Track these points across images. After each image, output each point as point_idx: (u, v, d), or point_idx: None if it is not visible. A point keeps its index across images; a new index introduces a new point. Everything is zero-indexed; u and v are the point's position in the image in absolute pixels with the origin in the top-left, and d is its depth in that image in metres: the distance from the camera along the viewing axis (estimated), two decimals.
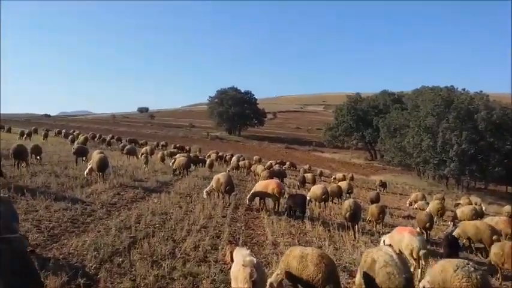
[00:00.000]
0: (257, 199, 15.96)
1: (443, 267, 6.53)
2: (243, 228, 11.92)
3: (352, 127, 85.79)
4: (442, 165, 55.52)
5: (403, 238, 9.50)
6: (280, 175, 27.44)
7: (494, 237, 12.14)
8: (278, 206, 15.52)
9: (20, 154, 17.46)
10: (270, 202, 15.72)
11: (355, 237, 12.64)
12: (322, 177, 40.86)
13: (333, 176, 39.37)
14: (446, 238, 12.44)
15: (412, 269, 8.54)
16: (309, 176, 29.29)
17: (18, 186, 12.63)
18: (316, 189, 18.76)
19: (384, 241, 10.41)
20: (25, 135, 39.43)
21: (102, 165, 16.99)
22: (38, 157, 20.39)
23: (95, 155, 18.01)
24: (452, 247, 11.57)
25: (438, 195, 32.64)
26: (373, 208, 15.93)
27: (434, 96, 58.96)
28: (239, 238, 10.49)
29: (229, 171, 28.46)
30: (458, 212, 20.26)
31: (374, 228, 15.38)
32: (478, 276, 6.10)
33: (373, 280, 6.29)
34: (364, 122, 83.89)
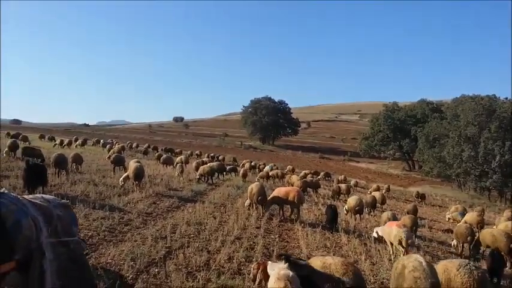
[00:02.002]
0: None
1: (446, 267, 7.14)
2: (277, 240, 11.80)
3: (388, 137, 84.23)
4: (483, 176, 53.51)
5: (392, 230, 11.55)
6: (314, 186, 27.15)
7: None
8: (298, 214, 15.42)
9: (60, 163, 18.11)
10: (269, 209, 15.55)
11: (392, 251, 12.31)
12: (357, 188, 40.14)
13: (369, 188, 38.56)
14: (491, 254, 11.96)
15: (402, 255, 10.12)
16: (343, 186, 28.84)
17: (59, 194, 13.01)
18: (350, 200, 18.50)
19: (376, 232, 12.76)
20: (64, 144, 40.96)
21: (138, 174, 17.42)
22: (79, 166, 21.09)
23: (132, 164, 18.42)
24: (496, 262, 11.16)
25: (478, 208, 31.41)
26: (405, 219, 15.49)
27: (475, 105, 57.00)
28: (273, 250, 10.38)
29: (258, 179, 28.43)
30: (502, 226, 19.37)
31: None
32: (480, 274, 6.96)
33: (401, 284, 6.53)
34: (402, 132, 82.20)
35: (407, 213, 22.07)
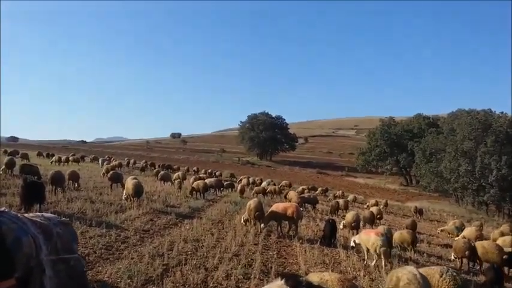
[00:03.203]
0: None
1: (427, 274, 7.35)
2: (275, 256, 11.73)
3: (385, 151, 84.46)
4: (481, 191, 53.62)
5: (369, 238, 11.98)
6: (312, 201, 27.11)
7: (505, 256, 13.09)
8: (296, 230, 15.39)
9: (57, 180, 18.07)
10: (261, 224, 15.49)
11: (391, 267, 12.28)
12: (355, 203, 40.10)
13: (367, 203, 38.52)
14: (491, 267, 12.02)
15: (378, 263, 11.56)
16: (341, 202, 28.83)
17: (56, 211, 12.93)
18: (348, 216, 18.59)
19: (354, 241, 13.07)
20: (62, 162, 40.95)
21: (138, 191, 17.52)
22: (76, 183, 21.02)
23: (129, 181, 18.43)
24: (498, 275, 11.29)
25: (476, 223, 31.50)
26: (404, 234, 15.48)
27: (471, 119, 57.39)
28: (271, 267, 10.31)
29: (253, 195, 28.39)
30: (500, 241, 19.34)
31: (407, 254, 14.99)
32: (461, 280, 7.51)
33: None
34: (398, 147, 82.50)
35: (406, 228, 22.06)
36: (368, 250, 12.30)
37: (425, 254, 16.55)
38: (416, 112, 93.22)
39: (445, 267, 7.97)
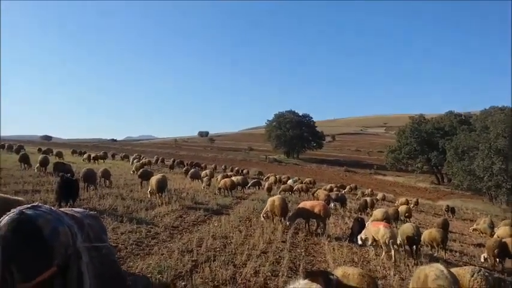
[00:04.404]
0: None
1: (458, 274, 7.13)
2: (303, 254, 11.66)
3: (416, 149, 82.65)
4: None
5: (378, 230, 12.41)
6: (341, 200, 26.80)
7: None
8: (324, 228, 15.31)
9: (89, 177, 18.58)
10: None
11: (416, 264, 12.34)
12: (385, 202, 39.47)
13: (397, 202, 37.84)
14: None
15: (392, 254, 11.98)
16: (368, 199, 28.44)
17: (88, 208, 13.26)
18: (377, 213, 18.33)
19: (360, 238, 13.29)
20: (91, 159, 42.08)
21: (160, 186, 17.92)
22: (108, 180, 21.56)
23: (153, 177, 19.08)
24: None
25: (506, 221, 30.45)
26: (434, 233, 15.12)
27: (505, 116, 55.51)
28: (299, 265, 10.26)
29: (280, 193, 28.37)
30: None
31: (437, 254, 14.65)
32: (494, 280, 7.21)
33: None
34: (429, 145, 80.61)
35: (437, 226, 21.58)
36: (375, 242, 12.75)
37: (457, 254, 16.18)
38: (447, 110, 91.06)
39: (477, 267, 7.73)
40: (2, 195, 8.63)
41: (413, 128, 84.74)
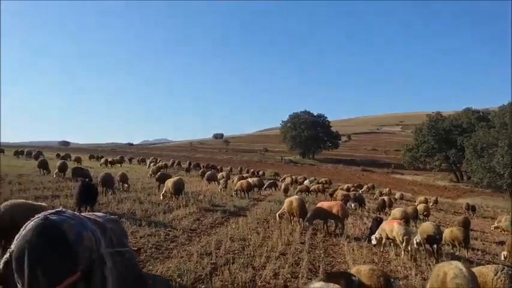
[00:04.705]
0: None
1: (481, 272, 7.04)
2: (322, 255, 11.54)
3: (434, 147, 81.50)
4: None
5: (392, 228, 12.51)
6: (359, 199, 26.52)
7: None
8: (343, 228, 15.17)
9: (107, 182, 18.78)
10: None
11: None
12: (403, 201, 39.01)
13: (415, 201, 37.35)
14: None
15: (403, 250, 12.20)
16: (386, 199, 28.12)
17: (107, 212, 13.34)
18: (395, 212, 18.15)
19: (375, 237, 13.17)
20: (108, 163, 42.61)
21: (177, 188, 18.22)
22: (126, 184, 21.75)
23: (169, 180, 19.35)
24: None
25: None
26: (455, 231, 14.84)
27: None
28: (319, 266, 10.16)
29: (296, 194, 28.26)
30: None
31: (459, 253, 14.39)
32: None
33: None
34: (447, 142, 79.40)
35: (458, 225, 21.22)
36: (390, 240, 12.88)
37: (479, 252, 15.87)
38: (465, 106, 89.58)
39: (500, 265, 7.54)
40: (26, 201, 8.76)
41: (431, 126, 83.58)
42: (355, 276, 6.52)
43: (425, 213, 25.01)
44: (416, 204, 32.99)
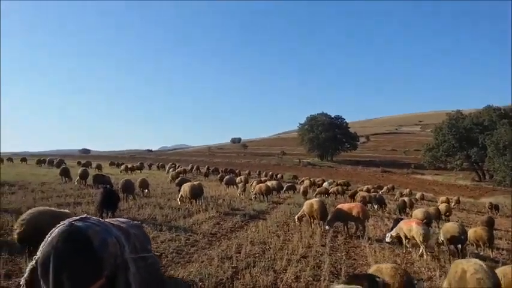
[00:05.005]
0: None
1: (505, 272, 7.02)
2: (344, 258, 11.42)
3: (454, 146, 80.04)
4: None
5: (411, 227, 12.41)
6: (379, 201, 26.20)
7: None
8: (364, 230, 15.01)
9: (127, 188, 19.01)
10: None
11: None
12: (424, 201, 38.42)
13: (437, 201, 36.73)
14: None
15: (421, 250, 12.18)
16: (406, 200, 27.71)
17: (128, 218, 13.50)
18: (417, 213, 17.91)
19: (390, 235, 13.42)
20: (129, 170, 43.15)
21: (195, 192, 18.52)
22: (146, 190, 22.00)
23: (186, 184, 19.58)
24: None
25: None
26: (479, 231, 14.52)
27: None
28: (341, 269, 10.04)
29: (315, 196, 28.08)
30: None
31: (483, 252, 14.09)
32: None
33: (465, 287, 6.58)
34: (468, 141, 77.85)
35: (482, 225, 20.77)
36: (408, 240, 12.80)
37: (504, 252, 15.50)
38: (486, 104, 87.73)
39: None
40: (50, 208, 8.93)
41: (451, 125, 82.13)
42: (379, 277, 6.42)
43: (447, 213, 24.61)
44: (438, 204, 32.48)
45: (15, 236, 8.07)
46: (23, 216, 8.15)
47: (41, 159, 50.42)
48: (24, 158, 56.40)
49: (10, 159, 52.23)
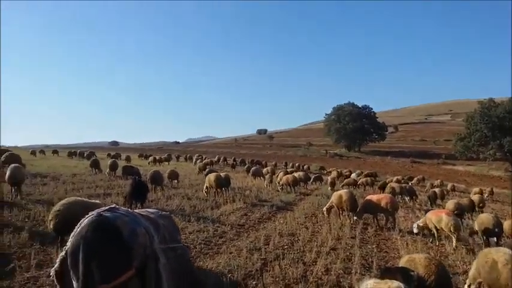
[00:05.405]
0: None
1: None
2: (375, 250, 11.16)
3: (487, 136, 77.43)
4: None
5: (441, 218, 12.14)
6: (410, 192, 25.58)
7: None
8: (394, 222, 14.69)
9: (156, 179, 19.20)
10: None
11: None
12: (455, 192, 37.41)
13: (470, 192, 35.67)
14: None
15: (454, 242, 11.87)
16: (437, 191, 26.95)
17: (157, 209, 13.62)
18: (449, 204, 17.42)
19: (417, 225, 13.07)
20: (157, 161, 43.74)
21: (220, 182, 18.64)
22: (175, 181, 22.28)
23: (210, 174, 19.70)
24: None
25: None
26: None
27: None
28: (372, 261, 9.80)
29: (342, 187, 27.70)
30: None
31: None
32: None
33: (496, 278, 6.48)
34: (501, 130, 75.14)
35: None
36: (437, 230, 12.50)
37: None
38: None
39: None
40: (82, 198, 9.04)
41: (483, 113, 79.37)
42: (413, 271, 6.20)
43: (480, 204, 23.80)
44: (470, 195, 31.52)
45: (50, 226, 8.21)
46: (57, 206, 8.28)
47: (72, 152, 51.63)
48: (55, 150, 57.86)
49: (42, 151, 53.63)
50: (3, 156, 22.43)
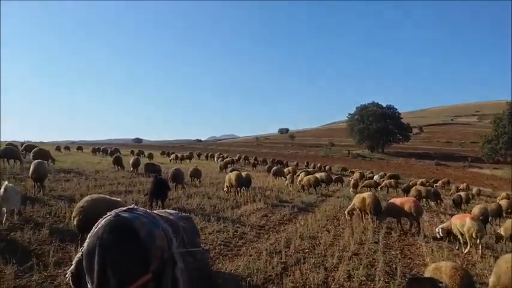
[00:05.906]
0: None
1: None
2: (399, 256, 10.81)
3: None
4: None
5: (464, 223, 11.69)
6: (435, 195, 24.90)
7: None
8: (418, 227, 14.22)
9: (177, 177, 19.17)
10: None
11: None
12: (482, 197, 36.36)
13: (497, 196, 34.57)
14: None
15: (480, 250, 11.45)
16: (462, 195, 26.14)
17: (177, 207, 13.60)
18: (474, 209, 16.91)
19: (441, 229, 12.77)
20: (178, 159, 44.05)
21: (240, 181, 18.54)
22: (198, 179, 22.33)
23: (231, 173, 19.67)
24: None
25: None
26: None
27: None
28: (396, 268, 9.48)
29: (362, 189, 27.21)
30: None
31: None
32: None
33: None
34: None
35: None
36: (462, 236, 12.05)
37: None
38: None
39: None
40: (105, 196, 9.03)
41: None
42: (441, 282, 5.92)
43: (509, 210, 22.98)
44: (497, 200, 30.51)
45: (74, 223, 8.20)
46: (80, 203, 8.26)
47: (96, 148, 52.46)
48: (80, 146, 58.96)
49: (67, 147, 54.70)
50: (32, 151, 22.89)
